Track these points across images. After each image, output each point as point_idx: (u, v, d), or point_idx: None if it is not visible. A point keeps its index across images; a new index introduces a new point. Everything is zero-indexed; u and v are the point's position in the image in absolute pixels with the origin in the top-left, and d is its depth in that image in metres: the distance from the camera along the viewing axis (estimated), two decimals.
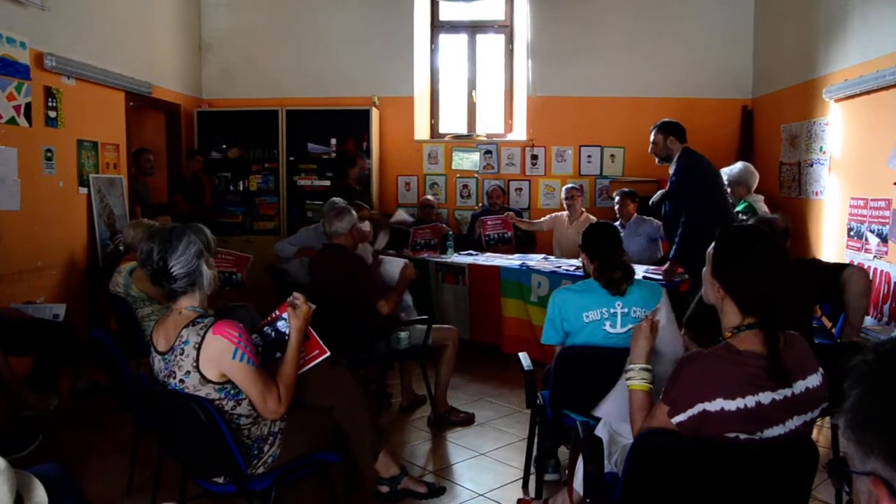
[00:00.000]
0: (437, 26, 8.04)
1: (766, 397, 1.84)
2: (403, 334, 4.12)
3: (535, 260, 6.04)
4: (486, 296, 5.77)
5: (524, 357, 3.28)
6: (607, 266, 2.97)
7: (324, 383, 2.73)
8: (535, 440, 3.34)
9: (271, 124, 7.42)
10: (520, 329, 5.57)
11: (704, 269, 2.02)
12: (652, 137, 4.91)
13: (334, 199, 5.72)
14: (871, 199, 5.14)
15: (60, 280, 5.41)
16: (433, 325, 4.24)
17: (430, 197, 7.27)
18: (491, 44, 8.10)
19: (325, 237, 4.29)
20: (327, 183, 7.51)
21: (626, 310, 2.93)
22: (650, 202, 5.54)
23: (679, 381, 1.89)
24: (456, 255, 6.45)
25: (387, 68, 7.71)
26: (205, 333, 2.25)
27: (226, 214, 7.53)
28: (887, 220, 4.95)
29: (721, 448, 1.85)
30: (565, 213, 6.67)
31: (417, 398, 4.61)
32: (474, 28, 8.05)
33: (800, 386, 1.88)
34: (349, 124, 7.52)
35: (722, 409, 1.83)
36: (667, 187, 4.91)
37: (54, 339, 4.34)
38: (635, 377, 2.11)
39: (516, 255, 6.31)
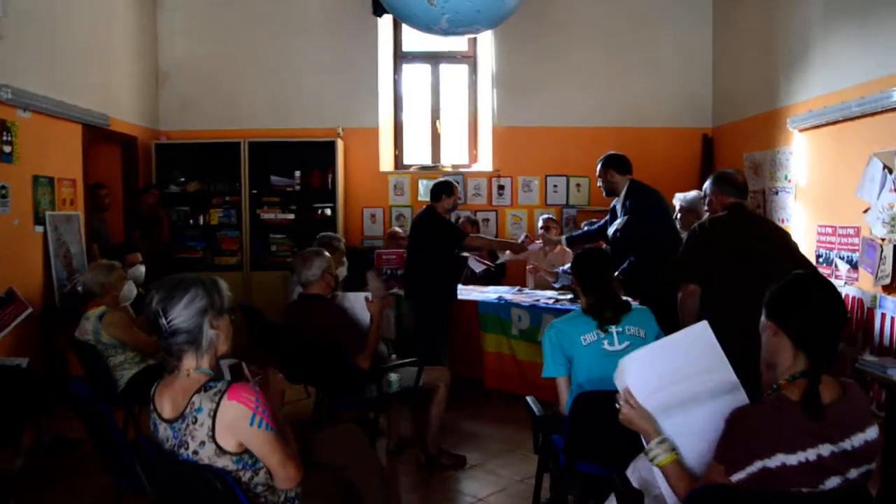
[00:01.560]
0: (401, 56, 7.99)
1: (825, 449, 1.79)
2: (394, 376, 3.99)
3: (511, 292, 5.99)
4: (465, 330, 5.67)
5: (532, 401, 3.19)
6: (598, 303, 3.01)
7: (335, 442, 2.59)
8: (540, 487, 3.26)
9: (233, 156, 7.22)
10: (501, 363, 5.49)
11: (761, 320, 1.97)
12: (597, 172, 5.08)
13: (326, 234, 5.60)
14: (840, 227, 5.25)
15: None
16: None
17: (397, 228, 7.15)
18: (454, 74, 8.08)
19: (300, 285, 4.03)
20: (291, 216, 7.34)
21: (620, 328, 2.97)
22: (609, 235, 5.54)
23: (733, 438, 1.82)
24: None
25: (351, 99, 7.62)
26: (220, 400, 2.08)
27: (185, 250, 7.28)
28: (856, 247, 5.06)
29: (783, 501, 1.79)
30: (540, 243, 6.62)
31: (404, 440, 4.47)
32: (437, 58, 8.02)
33: (858, 438, 1.83)
34: (314, 156, 7.39)
35: (783, 464, 1.77)
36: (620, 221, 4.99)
37: (17, 390, 4.06)
38: (658, 454, 2.01)
39: (491, 288, 6.23)
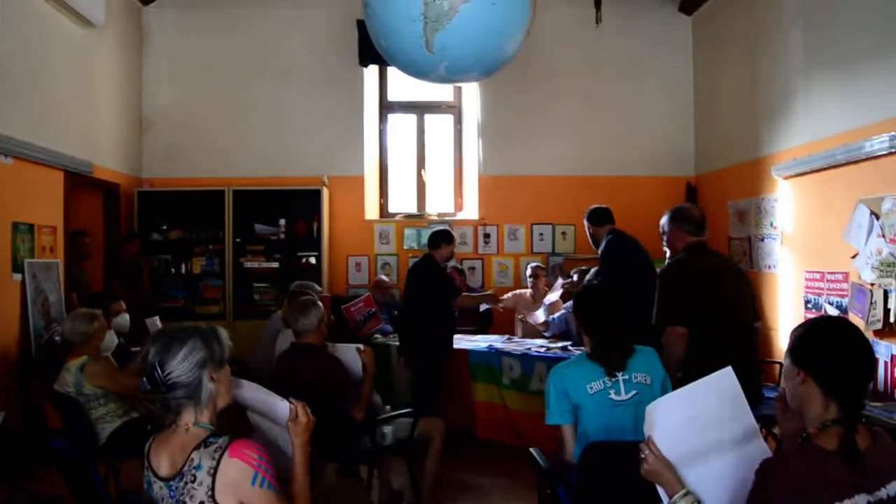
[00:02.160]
0: (386, 106, 8.04)
1: (862, 499, 1.72)
2: (388, 428, 3.87)
3: (501, 341, 5.91)
4: (455, 379, 5.56)
5: (537, 453, 3.10)
6: (604, 346, 2.91)
7: (336, 496, 2.48)
8: None
9: (216, 204, 7.15)
10: (493, 412, 5.37)
11: (784, 365, 1.92)
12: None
13: (302, 283, 5.49)
14: (828, 272, 5.29)
15: None
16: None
17: (383, 277, 7.09)
18: (439, 124, 8.13)
19: (294, 334, 3.91)
20: (276, 265, 7.25)
21: (627, 376, 2.88)
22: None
23: (768, 491, 1.75)
24: None
25: (336, 148, 7.62)
26: (220, 456, 1.97)
27: (167, 298, 7.14)
28: (845, 293, 5.09)
29: None
30: (528, 291, 6.60)
31: (396, 494, 4.32)
32: (423, 108, 8.08)
33: (893, 487, 1.77)
34: (299, 204, 7.35)
35: None
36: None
37: None
38: None
39: (480, 337, 6.15)
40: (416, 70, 3.84)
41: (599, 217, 5.20)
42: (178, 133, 7.50)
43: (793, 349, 1.88)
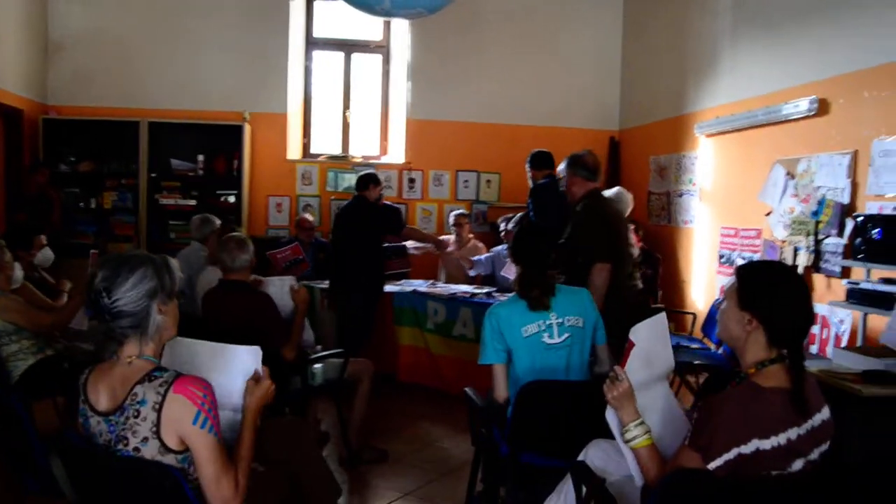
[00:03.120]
0: (312, 42, 7.77)
1: (793, 432, 1.85)
2: (318, 369, 3.84)
3: (425, 285, 5.93)
4: (378, 324, 5.55)
5: (472, 392, 3.14)
6: (526, 283, 2.97)
7: (280, 436, 2.44)
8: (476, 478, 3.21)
9: (130, 136, 6.79)
10: (417, 356, 5.42)
11: (724, 305, 2.01)
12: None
13: (205, 216, 5.34)
14: (742, 229, 5.53)
15: None
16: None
17: (307, 216, 6.91)
18: (367, 63, 7.94)
19: (222, 270, 3.79)
20: (193, 202, 6.98)
21: (560, 319, 2.94)
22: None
23: (710, 426, 1.84)
24: None
25: (259, 83, 7.33)
26: (166, 391, 1.89)
27: (75, 234, 6.78)
28: (758, 248, 5.35)
29: (757, 484, 1.83)
30: (451, 237, 6.61)
31: (322, 435, 4.31)
32: (350, 46, 7.86)
33: (817, 419, 1.91)
34: (218, 140, 7.07)
35: (757, 449, 1.81)
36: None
37: None
38: (637, 436, 2.04)
39: (403, 282, 6.14)
40: (362, 1, 3.70)
41: (539, 161, 5.22)
42: (88, 58, 7.03)
43: (743, 294, 1.95)
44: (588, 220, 4.01)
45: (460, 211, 6.90)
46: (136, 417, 1.90)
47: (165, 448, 1.90)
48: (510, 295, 3.08)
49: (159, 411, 1.88)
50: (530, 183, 5.25)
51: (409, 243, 6.28)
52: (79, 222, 6.85)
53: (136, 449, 1.90)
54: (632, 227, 5.40)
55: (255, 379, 2.21)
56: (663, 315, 2.31)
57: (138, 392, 1.90)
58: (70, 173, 6.81)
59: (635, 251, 5.20)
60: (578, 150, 4.33)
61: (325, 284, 5.65)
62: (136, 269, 1.95)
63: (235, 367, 2.24)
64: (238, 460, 2.03)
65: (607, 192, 5.45)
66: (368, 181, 5.32)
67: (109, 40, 7.06)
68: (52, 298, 4.37)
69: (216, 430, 1.93)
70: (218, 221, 5.44)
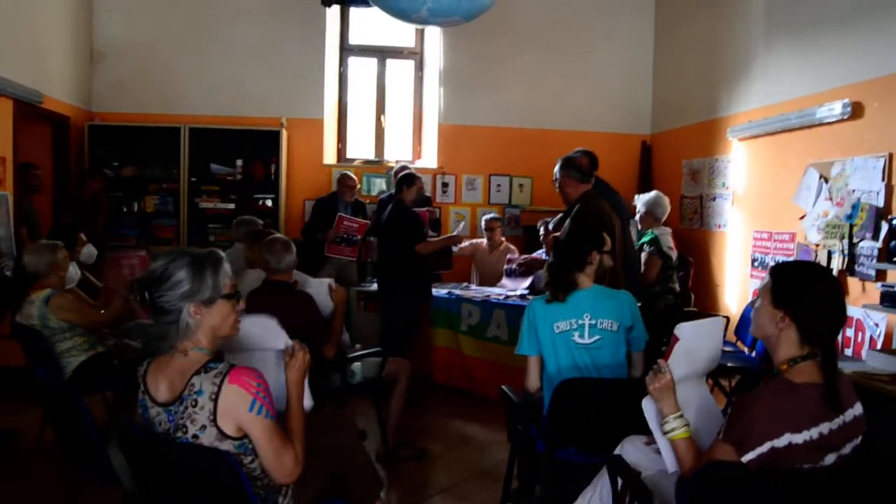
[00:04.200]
0: (347, 49, 7.91)
1: (825, 427, 1.90)
2: (357, 367, 3.95)
3: (460, 288, 6.01)
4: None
5: (509, 390, 3.22)
6: (554, 274, 3.09)
7: (323, 427, 2.54)
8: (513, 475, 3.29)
9: (171, 142, 6.98)
10: (450, 358, 5.52)
11: (758, 303, 2.06)
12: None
13: (246, 218, 5.49)
14: (776, 233, 5.53)
15: None
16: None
17: (350, 174, 6.86)
18: (400, 69, 8.06)
19: (266, 270, 3.92)
20: (232, 206, 7.15)
21: (594, 321, 3.02)
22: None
23: (743, 420, 1.90)
24: (375, 282, 6.31)
25: (296, 89, 7.49)
26: (221, 382, 2.00)
27: (118, 237, 6.97)
28: (791, 252, 5.34)
29: (789, 477, 1.88)
30: (484, 240, 6.69)
31: (361, 432, 4.41)
32: (384, 53, 7.99)
33: (849, 414, 1.96)
34: (256, 145, 7.22)
35: (790, 443, 1.86)
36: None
37: None
38: (676, 428, 2.12)
39: (438, 284, 6.23)
40: (399, 10, 3.81)
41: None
42: (131, 66, 7.24)
43: (776, 292, 2.01)
44: (583, 222, 4.03)
45: (492, 215, 6.97)
46: (194, 407, 2.01)
47: (223, 435, 2.01)
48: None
49: (216, 401, 1.99)
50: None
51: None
52: (122, 225, 7.05)
53: (195, 437, 2.01)
54: (669, 231, 5.44)
55: (290, 354, 2.33)
56: (720, 319, 2.46)
57: (195, 383, 2.02)
58: (114, 178, 7.00)
59: (673, 254, 5.23)
60: (571, 153, 4.47)
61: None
62: (178, 270, 2.06)
63: (260, 334, 2.51)
64: (291, 432, 2.17)
65: (645, 197, 5.49)
66: (402, 183, 5.30)
67: (150, 49, 7.27)
68: (94, 298, 4.54)
69: (272, 414, 2.05)
70: (260, 222, 5.61)
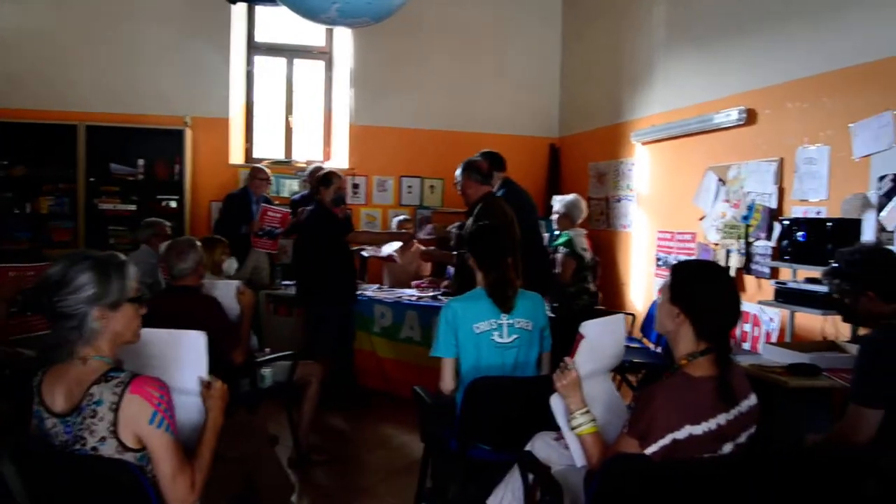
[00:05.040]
0: (254, 47, 7.74)
1: (723, 418, 1.99)
2: (267, 371, 3.86)
3: (371, 290, 5.98)
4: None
5: (422, 390, 3.22)
6: (500, 284, 3.04)
7: (233, 434, 2.47)
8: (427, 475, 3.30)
9: (68, 140, 6.63)
10: (364, 360, 5.47)
11: (660, 300, 2.14)
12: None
13: (152, 220, 5.30)
14: (678, 233, 5.76)
15: None
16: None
17: (263, 167, 6.72)
18: (309, 69, 7.96)
19: (171, 276, 3.77)
20: (133, 207, 6.87)
21: (511, 321, 3.04)
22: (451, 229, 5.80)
23: (645, 414, 1.97)
24: (285, 284, 6.21)
25: (200, 87, 7.26)
26: (122, 391, 1.92)
27: (9, 239, 6.59)
28: (692, 251, 5.58)
29: (690, 467, 1.97)
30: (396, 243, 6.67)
31: (271, 437, 4.32)
32: (293, 52, 7.86)
33: (744, 405, 2.06)
34: (159, 145, 6.97)
35: (690, 434, 1.94)
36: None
37: None
38: (583, 423, 2.18)
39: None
40: (307, 10, 3.75)
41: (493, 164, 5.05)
42: (23, 59, 6.83)
43: (674, 289, 2.09)
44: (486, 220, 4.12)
45: (403, 216, 6.97)
46: (93, 417, 1.92)
47: (123, 447, 1.92)
48: (470, 291, 3.15)
49: (116, 411, 1.91)
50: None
51: (369, 249, 6.29)
52: (11, 228, 6.67)
53: (94, 448, 1.92)
54: (584, 232, 5.55)
55: (207, 385, 2.25)
56: (621, 317, 2.57)
57: (95, 392, 1.92)
58: (3, 177, 6.62)
59: (587, 255, 5.34)
60: (473, 157, 4.70)
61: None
62: (82, 273, 1.96)
63: (184, 352, 2.28)
64: (197, 459, 2.07)
65: (564, 198, 5.61)
66: (320, 183, 5.07)
67: (44, 42, 6.88)
68: None
69: (172, 429, 1.97)
70: (168, 224, 5.44)
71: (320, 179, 5.08)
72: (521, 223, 4.62)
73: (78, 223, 6.72)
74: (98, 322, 1.98)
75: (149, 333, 2.30)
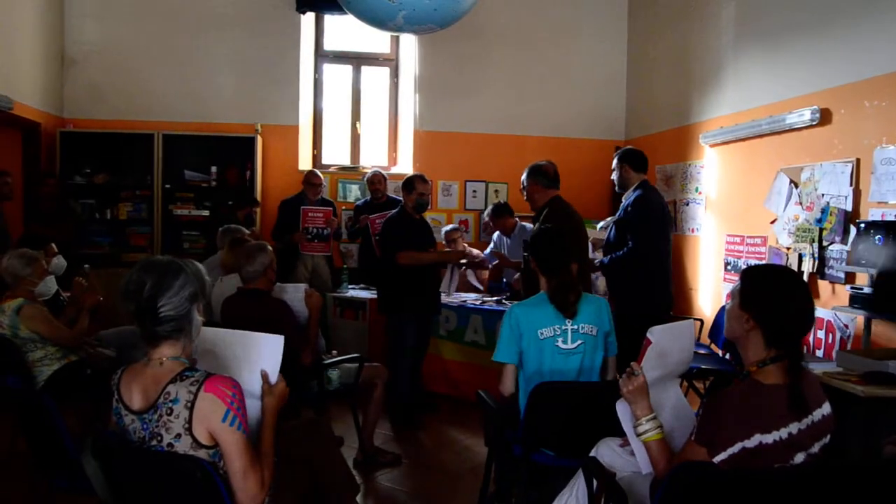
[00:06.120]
0: (322, 55, 7.91)
1: (794, 427, 1.94)
2: (334, 373, 3.94)
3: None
4: None
5: (486, 394, 3.23)
6: (562, 289, 3.01)
7: (300, 435, 2.54)
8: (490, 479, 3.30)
9: (145, 149, 6.93)
10: (429, 363, 5.50)
11: (729, 305, 2.10)
12: (613, 165, 4.78)
13: (230, 227, 5.43)
14: (748, 236, 5.62)
15: None
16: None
17: (317, 171, 6.87)
18: (376, 76, 8.07)
19: (239, 280, 3.88)
20: (206, 213, 7.10)
21: (575, 326, 3.01)
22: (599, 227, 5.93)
23: (714, 422, 1.93)
24: (351, 288, 6.32)
25: (270, 95, 7.47)
26: (197, 390, 1.99)
27: (90, 245, 6.90)
28: (763, 255, 5.43)
29: (760, 476, 1.92)
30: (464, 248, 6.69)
31: (336, 438, 4.40)
32: (359, 59, 8.00)
33: (817, 414, 2.00)
34: (231, 152, 7.20)
35: (760, 443, 1.90)
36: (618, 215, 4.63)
37: None
38: (649, 430, 2.15)
39: None
40: (374, 18, 3.81)
41: (637, 161, 4.72)
42: (104, 72, 7.18)
43: (744, 295, 2.05)
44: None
45: (453, 226, 6.88)
46: (168, 415, 1.99)
47: (197, 443, 2.00)
48: (533, 296, 3.14)
49: (191, 409, 1.98)
50: (618, 184, 4.76)
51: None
52: (93, 233, 6.98)
53: (170, 445, 2.00)
54: None
55: (269, 383, 2.31)
56: (690, 322, 2.53)
57: (171, 391, 2.00)
58: (86, 185, 6.94)
59: None
60: (539, 161, 4.58)
61: None
62: (178, 275, 2.06)
63: (260, 355, 2.32)
64: (262, 456, 2.13)
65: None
66: (403, 187, 4.99)
67: (123, 55, 7.21)
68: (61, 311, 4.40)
69: (244, 428, 2.03)
70: (247, 231, 5.55)
71: (402, 184, 5.00)
72: (652, 231, 4.37)
73: (154, 228, 6.99)
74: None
75: (227, 334, 2.39)
